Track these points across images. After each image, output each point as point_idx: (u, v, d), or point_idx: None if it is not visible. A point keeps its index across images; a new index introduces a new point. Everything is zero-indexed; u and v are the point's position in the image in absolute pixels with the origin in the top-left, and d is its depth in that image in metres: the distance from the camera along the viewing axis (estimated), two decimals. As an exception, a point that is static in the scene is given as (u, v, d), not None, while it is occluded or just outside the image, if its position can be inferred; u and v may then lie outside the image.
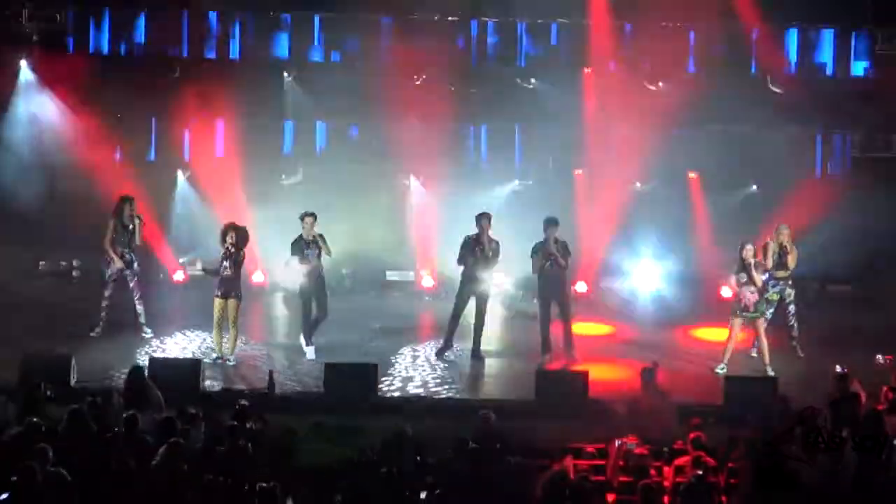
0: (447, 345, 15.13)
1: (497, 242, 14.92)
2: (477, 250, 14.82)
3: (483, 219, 14.91)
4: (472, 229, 14.97)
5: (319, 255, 14.91)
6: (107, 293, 15.80)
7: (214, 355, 14.54)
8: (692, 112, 18.91)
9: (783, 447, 9.45)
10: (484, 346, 15.32)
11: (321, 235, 14.91)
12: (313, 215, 14.97)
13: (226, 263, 14.43)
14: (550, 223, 14.82)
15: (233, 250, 14.43)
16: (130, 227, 15.71)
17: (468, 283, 15.00)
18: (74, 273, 19.98)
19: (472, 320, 15.10)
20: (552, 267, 14.78)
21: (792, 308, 15.48)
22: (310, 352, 15.01)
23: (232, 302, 14.52)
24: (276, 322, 17.75)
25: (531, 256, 14.91)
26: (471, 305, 15.09)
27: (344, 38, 20.46)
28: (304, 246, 14.86)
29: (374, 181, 20.01)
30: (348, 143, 20.77)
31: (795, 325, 15.53)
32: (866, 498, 9.54)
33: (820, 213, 17.91)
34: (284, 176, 20.59)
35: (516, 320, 17.61)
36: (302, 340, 15.20)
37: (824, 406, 11.61)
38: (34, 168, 19.31)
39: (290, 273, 15.42)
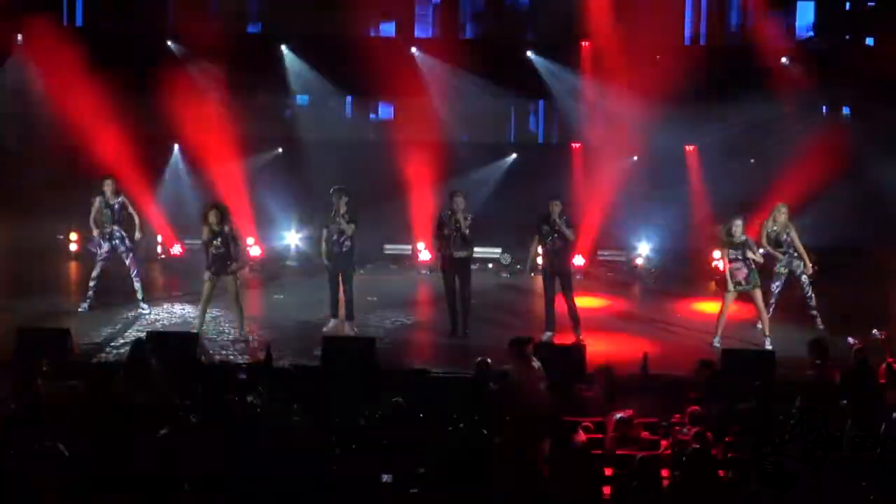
0: (455, 326, 15.03)
1: (472, 218, 14.80)
2: (452, 228, 14.72)
3: (455, 196, 14.80)
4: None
5: (344, 230, 14.71)
6: (95, 272, 15.82)
7: (194, 332, 14.40)
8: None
9: (784, 447, 9.46)
10: (488, 318, 15.33)
11: (347, 211, 14.67)
12: (343, 190, 14.84)
13: (216, 242, 14.39)
14: (553, 199, 14.75)
15: (217, 228, 14.40)
16: (115, 205, 15.72)
17: (445, 264, 14.89)
18: (71, 247, 19.97)
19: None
20: (555, 241, 14.74)
21: (805, 279, 15.46)
22: (331, 325, 14.96)
23: (229, 280, 14.50)
24: (274, 295, 17.71)
25: (535, 234, 14.83)
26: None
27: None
28: (331, 220, 14.77)
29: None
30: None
31: (813, 296, 15.54)
32: (864, 472, 9.55)
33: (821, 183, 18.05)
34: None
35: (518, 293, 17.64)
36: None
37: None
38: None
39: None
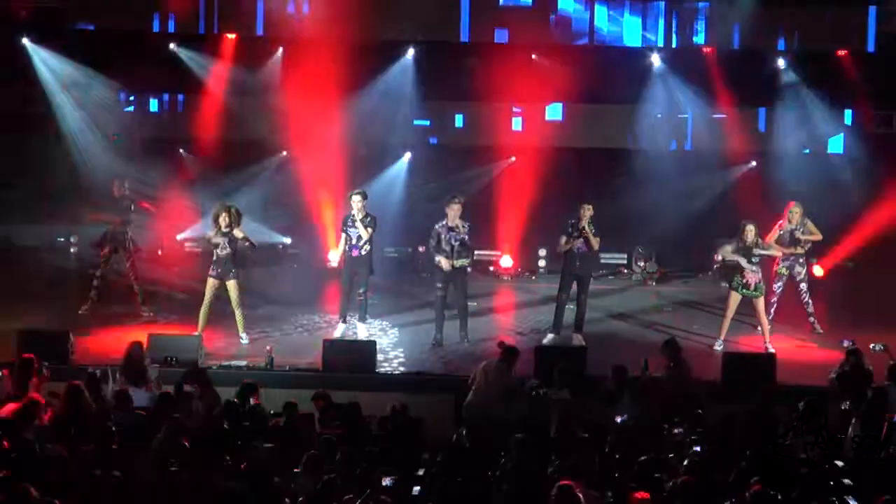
0: (438, 336, 14.86)
1: (469, 226, 14.65)
2: (449, 237, 14.58)
3: (452, 203, 14.64)
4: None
5: (362, 235, 14.56)
6: (98, 273, 15.82)
7: (195, 333, 14.37)
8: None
9: (786, 447, 9.46)
10: (489, 322, 15.44)
11: (366, 215, 14.53)
12: (361, 193, 14.73)
13: (223, 242, 14.39)
14: (585, 203, 14.70)
15: (226, 230, 14.39)
16: (124, 205, 15.74)
17: (443, 273, 14.70)
18: (72, 249, 19.98)
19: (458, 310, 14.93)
20: (581, 245, 14.65)
21: (804, 286, 15.49)
22: (340, 329, 14.90)
23: (230, 284, 14.48)
24: (275, 297, 17.67)
25: (562, 234, 14.77)
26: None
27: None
28: (350, 223, 14.68)
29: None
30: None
31: (810, 301, 15.55)
32: (866, 474, 9.52)
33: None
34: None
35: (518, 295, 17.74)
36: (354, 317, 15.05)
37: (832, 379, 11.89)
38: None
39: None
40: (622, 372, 12.00)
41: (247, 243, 14.74)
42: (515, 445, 9.49)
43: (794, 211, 15.35)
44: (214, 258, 14.50)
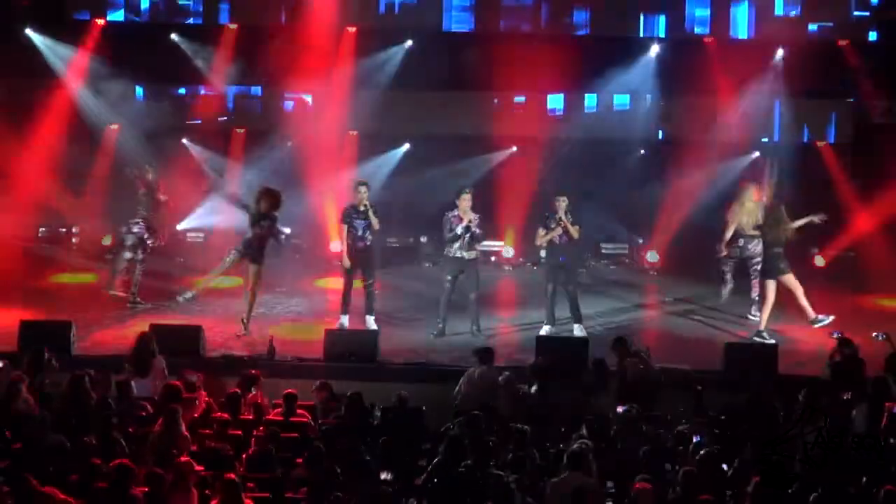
0: (442, 327, 14.82)
1: (478, 217, 14.60)
2: (459, 229, 14.53)
3: (464, 194, 14.56)
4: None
5: (369, 225, 14.56)
6: (127, 256, 15.74)
7: (189, 294, 14.52)
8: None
9: (787, 447, 9.50)
10: (491, 314, 15.47)
11: (372, 205, 14.50)
12: (366, 183, 14.70)
13: (262, 223, 14.30)
14: (559, 194, 14.71)
15: (265, 213, 14.31)
16: (150, 196, 15.75)
17: (453, 264, 14.69)
18: (74, 240, 19.98)
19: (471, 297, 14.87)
20: (561, 237, 14.68)
21: (754, 272, 15.33)
22: (342, 321, 14.81)
23: (252, 267, 14.41)
24: (279, 288, 17.69)
25: (540, 227, 14.78)
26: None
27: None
28: (355, 215, 14.61)
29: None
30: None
31: (756, 285, 15.41)
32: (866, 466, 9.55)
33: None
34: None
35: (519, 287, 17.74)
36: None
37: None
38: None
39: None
40: (601, 365, 12.05)
41: (278, 232, 14.71)
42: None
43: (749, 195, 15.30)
44: (247, 237, 14.39)
